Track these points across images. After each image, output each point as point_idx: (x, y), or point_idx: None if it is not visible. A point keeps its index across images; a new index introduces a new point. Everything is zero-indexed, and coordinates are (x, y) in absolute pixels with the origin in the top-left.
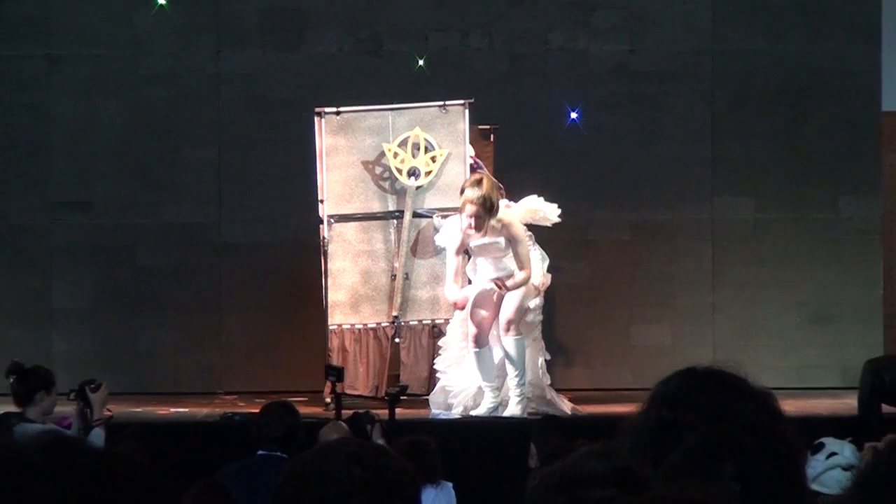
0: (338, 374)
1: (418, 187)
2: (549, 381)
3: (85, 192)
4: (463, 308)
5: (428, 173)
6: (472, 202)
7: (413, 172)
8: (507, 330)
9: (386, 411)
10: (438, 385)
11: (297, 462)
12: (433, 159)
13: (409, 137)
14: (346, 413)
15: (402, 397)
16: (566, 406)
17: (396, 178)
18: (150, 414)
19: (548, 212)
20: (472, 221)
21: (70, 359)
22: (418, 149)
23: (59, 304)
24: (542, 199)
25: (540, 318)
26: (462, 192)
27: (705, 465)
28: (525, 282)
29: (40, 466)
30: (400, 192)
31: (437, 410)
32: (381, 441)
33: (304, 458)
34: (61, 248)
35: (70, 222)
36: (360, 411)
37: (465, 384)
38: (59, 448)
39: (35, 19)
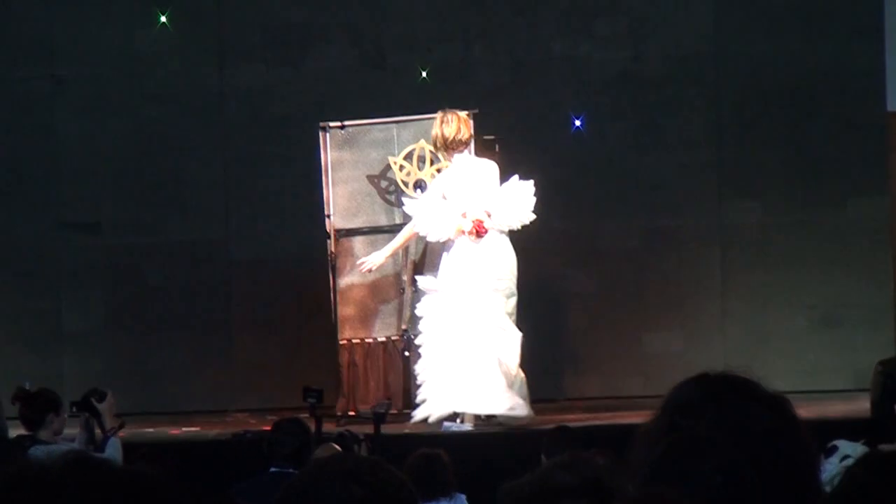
0: (317, 396)
1: None
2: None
3: (92, 212)
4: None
5: None
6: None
7: (419, 185)
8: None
9: (395, 427)
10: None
11: (294, 481)
12: (439, 171)
13: (414, 150)
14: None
15: (389, 413)
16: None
17: (403, 191)
18: (162, 433)
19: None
20: None
21: (81, 380)
22: (424, 161)
23: (68, 326)
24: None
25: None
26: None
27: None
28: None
29: (64, 485)
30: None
31: (448, 423)
32: None
33: (300, 476)
34: (70, 269)
35: (78, 243)
36: (346, 432)
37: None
38: (81, 466)
39: (39, 40)
